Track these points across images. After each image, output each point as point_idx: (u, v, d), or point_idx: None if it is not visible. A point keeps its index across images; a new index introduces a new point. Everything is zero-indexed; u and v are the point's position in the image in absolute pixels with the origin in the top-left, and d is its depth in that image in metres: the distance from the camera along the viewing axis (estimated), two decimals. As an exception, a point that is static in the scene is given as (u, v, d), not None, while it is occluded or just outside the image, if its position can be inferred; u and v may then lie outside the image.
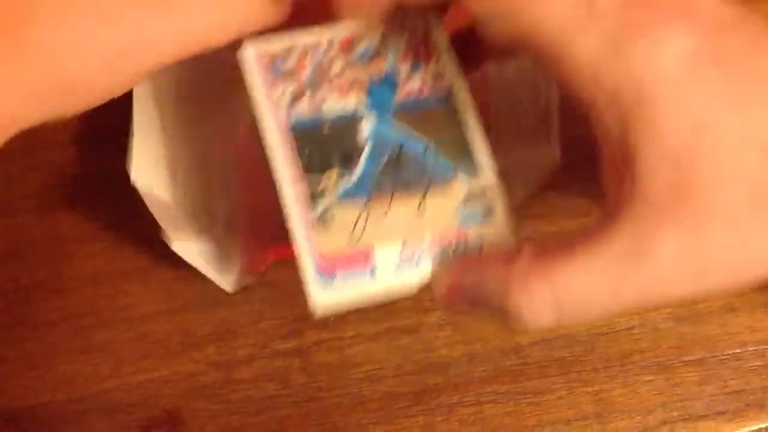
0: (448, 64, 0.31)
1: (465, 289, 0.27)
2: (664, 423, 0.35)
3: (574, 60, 0.25)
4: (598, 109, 0.25)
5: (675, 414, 0.35)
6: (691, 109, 0.24)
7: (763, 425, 0.35)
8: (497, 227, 0.29)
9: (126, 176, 0.36)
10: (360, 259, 0.28)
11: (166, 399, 0.34)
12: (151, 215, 0.33)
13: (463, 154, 0.30)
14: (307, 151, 0.29)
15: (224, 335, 0.35)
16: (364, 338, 0.35)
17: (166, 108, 0.35)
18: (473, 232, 0.29)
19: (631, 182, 0.24)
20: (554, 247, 0.26)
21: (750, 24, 0.25)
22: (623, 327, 0.35)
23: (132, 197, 0.36)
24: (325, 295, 0.28)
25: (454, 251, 0.29)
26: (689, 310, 0.35)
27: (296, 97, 0.30)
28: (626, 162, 0.24)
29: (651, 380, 0.35)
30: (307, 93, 0.30)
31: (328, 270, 0.28)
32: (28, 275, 0.36)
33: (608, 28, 0.24)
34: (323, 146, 0.29)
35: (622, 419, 0.35)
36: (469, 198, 0.29)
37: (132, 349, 0.35)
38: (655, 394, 0.35)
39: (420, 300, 0.36)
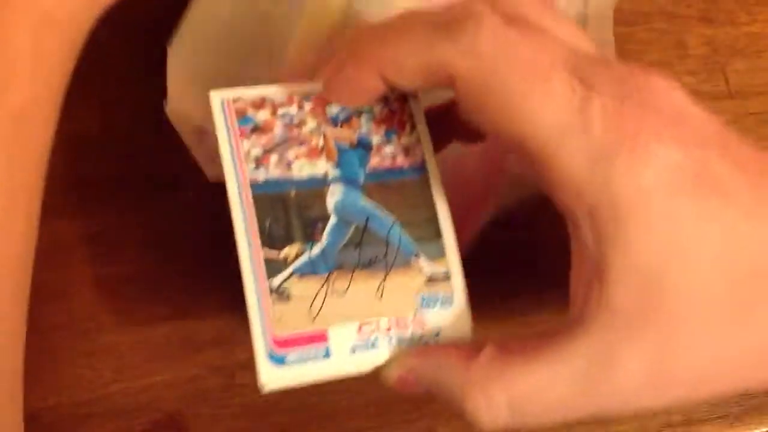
0: (422, 136, 0.30)
1: (421, 379, 0.27)
2: (666, 426, 0.35)
3: (558, 167, 0.25)
4: (576, 217, 0.25)
5: (676, 418, 0.35)
6: (664, 230, 0.24)
7: (764, 430, 0.35)
8: (456, 316, 0.29)
9: (129, 180, 0.36)
10: (314, 339, 0.28)
11: (169, 403, 0.35)
12: (154, 221, 0.33)
13: (429, 234, 0.29)
14: (269, 220, 0.28)
15: (226, 340, 0.35)
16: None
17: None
18: (431, 319, 0.29)
19: (600, 294, 0.25)
20: (515, 349, 0.26)
21: (733, 142, 0.25)
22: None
23: (136, 201, 0.36)
24: (276, 376, 0.27)
25: (410, 337, 0.28)
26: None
27: (265, 155, 0.29)
28: (597, 273, 0.25)
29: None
30: (276, 152, 0.29)
31: (281, 348, 0.27)
32: (32, 278, 0.36)
33: (597, 139, 0.24)
34: (287, 215, 0.28)
35: (623, 423, 0.35)
36: (431, 282, 0.29)
37: (134, 354, 0.35)
38: (656, 398, 0.35)
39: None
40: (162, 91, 0.34)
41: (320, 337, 0.28)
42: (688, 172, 0.24)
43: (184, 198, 0.35)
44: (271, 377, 0.27)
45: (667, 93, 0.25)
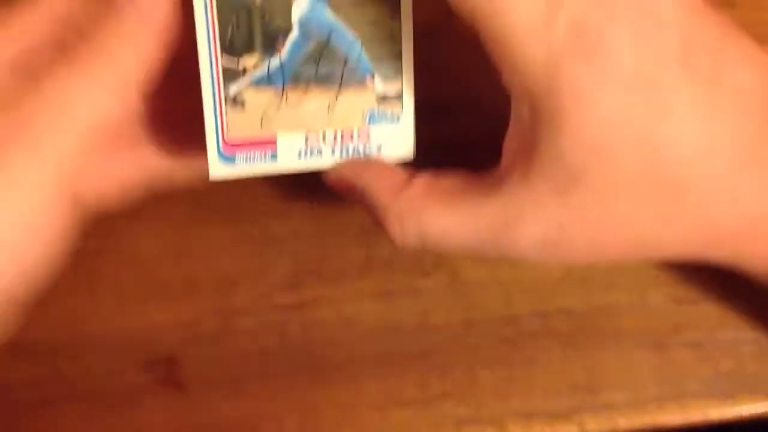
0: None
1: (352, 189, 0.30)
2: (655, 399, 0.35)
3: (513, 60, 0.26)
4: (519, 100, 0.27)
5: (666, 390, 0.35)
6: (592, 134, 0.26)
7: (753, 409, 0.35)
8: (400, 134, 0.30)
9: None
10: (263, 144, 0.30)
11: (166, 342, 0.35)
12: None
13: (388, 54, 0.30)
14: (231, 29, 0.28)
15: (226, 284, 0.35)
16: (363, 297, 0.35)
17: None
18: (376, 133, 0.30)
19: (523, 168, 0.27)
20: (439, 190, 0.29)
21: (697, 36, 0.26)
22: (623, 304, 0.35)
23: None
24: (224, 170, 0.30)
25: (354, 148, 0.30)
26: (688, 292, 0.36)
27: None
28: (526, 149, 0.27)
29: (645, 357, 0.35)
30: None
31: (231, 149, 0.29)
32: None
33: (554, 45, 0.25)
34: (249, 23, 0.29)
35: (614, 391, 0.35)
36: (382, 100, 0.30)
37: (136, 291, 0.35)
38: (648, 371, 0.35)
39: (421, 262, 0.36)
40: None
41: (269, 142, 0.30)
42: (633, 82, 0.25)
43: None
44: (220, 171, 0.30)
45: None
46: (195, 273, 0.35)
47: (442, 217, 0.28)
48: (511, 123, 0.28)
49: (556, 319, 0.36)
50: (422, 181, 0.29)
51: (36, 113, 0.27)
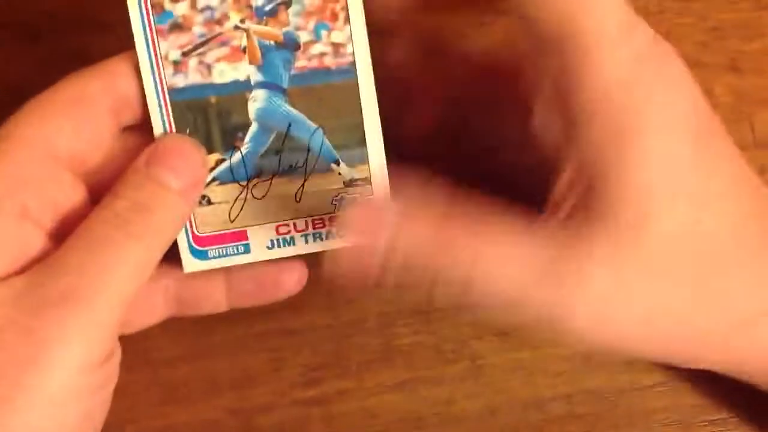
0: (357, 31, 0.28)
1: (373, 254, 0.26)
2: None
3: (595, 68, 0.25)
4: (582, 127, 0.25)
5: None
6: (669, 170, 0.25)
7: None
8: None
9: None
10: (234, 238, 0.30)
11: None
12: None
13: (352, 140, 0.29)
14: (188, 130, 0.29)
15: (244, 382, 0.35)
16: (385, 388, 0.35)
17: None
18: None
19: (586, 216, 0.25)
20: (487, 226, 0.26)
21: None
22: (647, 384, 0.35)
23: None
24: (198, 264, 0.30)
25: (327, 233, 0.30)
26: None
27: (184, 57, 0.28)
28: (590, 192, 0.25)
29: (672, 436, 0.35)
30: (196, 54, 0.28)
31: (203, 245, 0.30)
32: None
33: (635, 62, 0.25)
34: (207, 123, 0.29)
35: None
36: (350, 186, 0.29)
37: (151, 394, 0.35)
38: (677, 453, 0.35)
39: (442, 351, 0.35)
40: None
41: (240, 236, 0.30)
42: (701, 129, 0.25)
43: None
44: (194, 265, 0.30)
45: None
46: (213, 372, 0.35)
47: (498, 246, 0.26)
48: (568, 160, 0.26)
49: (581, 401, 0.35)
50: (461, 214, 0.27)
51: (84, 279, 0.26)
